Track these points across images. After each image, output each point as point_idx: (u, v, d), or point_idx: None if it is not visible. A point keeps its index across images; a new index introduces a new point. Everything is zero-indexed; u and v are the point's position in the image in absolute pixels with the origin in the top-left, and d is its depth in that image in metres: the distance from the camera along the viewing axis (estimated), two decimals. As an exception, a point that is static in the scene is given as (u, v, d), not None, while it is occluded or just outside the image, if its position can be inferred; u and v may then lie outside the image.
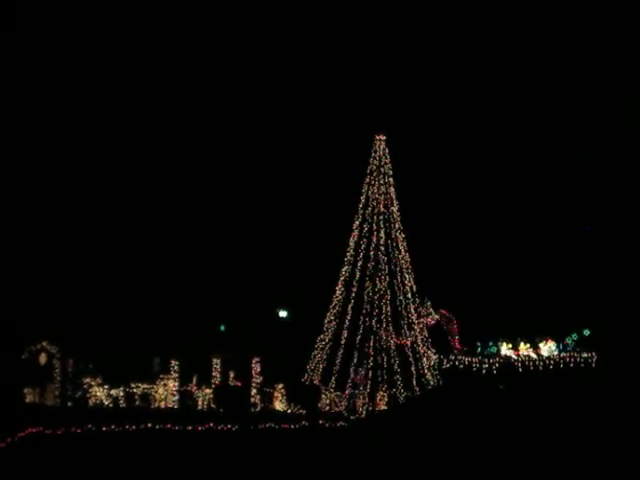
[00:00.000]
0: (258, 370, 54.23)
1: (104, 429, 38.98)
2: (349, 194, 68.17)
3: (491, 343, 63.49)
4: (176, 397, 49.59)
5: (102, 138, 67.71)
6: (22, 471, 31.67)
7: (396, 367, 65.64)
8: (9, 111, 60.23)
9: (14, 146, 61.22)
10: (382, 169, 68.53)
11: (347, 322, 65.55)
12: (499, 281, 71.30)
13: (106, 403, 47.33)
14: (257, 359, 54.36)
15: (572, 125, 70.98)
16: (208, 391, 51.42)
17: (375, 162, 68.61)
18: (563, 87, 71.65)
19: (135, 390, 48.93)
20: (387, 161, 68.76)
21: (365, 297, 66.59)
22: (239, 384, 53.84)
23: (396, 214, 68.07)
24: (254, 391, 53.72)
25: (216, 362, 52.69)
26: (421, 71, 74.05)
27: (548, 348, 61.80)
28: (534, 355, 62.09)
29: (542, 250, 72.35)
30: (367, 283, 66.71)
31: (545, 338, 62.18)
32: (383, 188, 68.31)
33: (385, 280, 66.78)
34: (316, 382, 63.75)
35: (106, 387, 47.79)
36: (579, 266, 69.25)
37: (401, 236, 67.68)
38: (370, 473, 35.27)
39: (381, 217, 67.77)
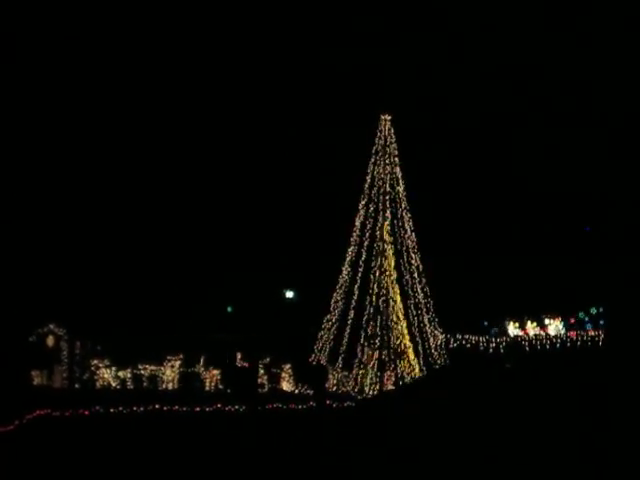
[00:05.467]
0: (265, 350, 54.40)
1: (112, 411, 39.07)
2: (355, 174, 68.05)
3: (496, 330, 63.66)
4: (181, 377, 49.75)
5: (105, 126, 67.70)
6: (31, 453, 31.76)
7: (403, 347, 65.72)
8: (9, 111, 60.27)
9: (17, 136, 61.29)
10: (387, 149, 68.38)
11: (354, 302, 65.58)
12: (506, 260, 71.15)
13: (113, 385, 47.50)
14: (264, 340, 54.55)
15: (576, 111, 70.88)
16: (215, 372, 51.55)
17: (381, 142, 68.46)
18: (568, 78, 71.58)
19: (142, 372, 49.09)
20: (392, 141, 68.60)
21: (372, 277, 66.61)
22: (246, 365, 53.99)
23: (402, 193, 67.94)
24: (261, 372, 53.87)
25: (223, 343, 52.85)
26: (426, 51, 73.67)
27: (555, 327, 61.76)
28: (541, 333, 62.06)
29: (549, 227, 72.21)
30: (373, 263, 66.73)
31: (552, 316, 62.10)
32: (389, 168, 68.18)
33: (391, 260, 66.77)
34: (323, 362, 63.85)
35: (113, 369, 47.96)
36: (587, 244, 69.13)
37: (407, 215, 67.58)
38: (378, 453, 35.28)
39: (387, 197, 67.67)
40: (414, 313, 66.42)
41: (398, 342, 66.13)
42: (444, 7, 72.31)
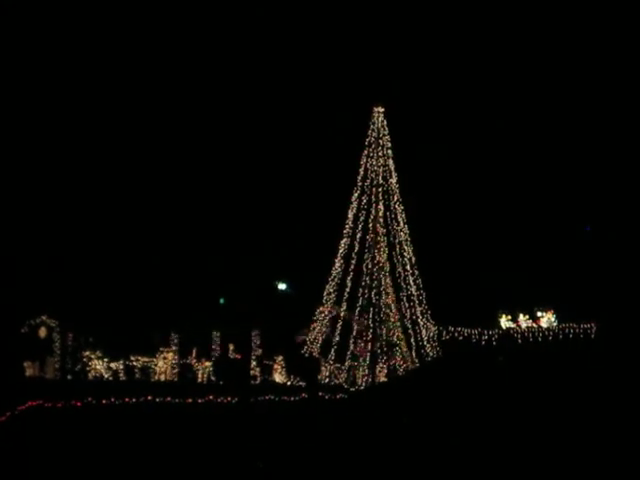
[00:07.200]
0: (258, 343, 54.36)
1: (104, 402, 39.00)
2: (348, 166, 68.00)
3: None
4: (176, 370, 49.73)
5: (101, 123, 67.65)
6: (22, 445, 31.69)
7: (395, 339, 65.78)
8: (10, 111, 60.13)
9: (15, 132, 61.22)
10: (380, 141, 68.34)
11: (346, 294, 65.59)
12: (498, 252, 71.21)
13: (106, 376, 47.45)
14: (257, 332, 54.47)
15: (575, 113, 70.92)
16: (208, 364, 51.55)
17: (373, 134, 68.41)
18: (567, 78, 71.60)
19: (135, 363, 49.05)
20: (385, 133, 68.57)
21: (364, 269, 66.61)
22: (239, 357, 53.99)
23: (395, 186, 67.93)
24: (254, 364, 53.87)
25: (216, 335, 52.82)
26: (419, 44, 73.61)
27: (547, 319, 61.86)
28: (534, 326, 62.13)
29: (539, 220, 72.28)
30: (366, 255, 66.73)
31: (544, 309, 62.19)
32: (382, 160, 68.15)
33: (384, 252, 66.79)
34: (316, 354, 63.87)
35: (106, 360, 47.92)
36: (579, 238, 69.27)
37: (400, 208, 67.58)
38: (369, 445, 35.34)
39: (380, 189, 67.65)
40: (407, 305, 66.48)
41: (390, 334, 66.18)
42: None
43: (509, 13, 71.63)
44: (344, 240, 66.70)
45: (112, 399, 39.45)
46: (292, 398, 50.65)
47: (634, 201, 64.98)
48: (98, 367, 47.44)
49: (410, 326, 66.25)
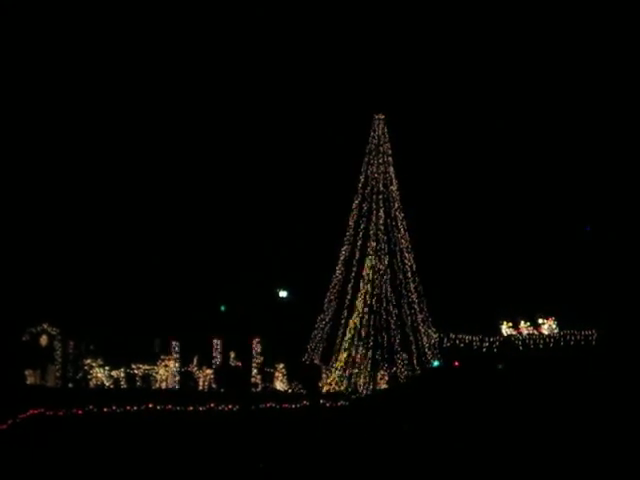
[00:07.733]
0: (259, 350, 54.38)
1: (105, 410, 39.02)
2: (348, 173, 68.06)
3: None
4: (177, 378, 49.72)
5: (104, 126, 67.71)
6: (24, 452, 31.70)
7: (396, 346, 65.73)
8: (10, 111, 60.22)
9: (16, 135, 61.31)
10: (381, 148, 68.42)
11: (347, 301, 65.60)
12: (499, 260, 71.13)
13: (107, 384, 47.44)
14: (257, 339, 54.49)
15: (574, 114, 70.92)
16: (209, 372, 51.53)
17: (374, 141, 68.50)
18: (567, 78, 71.59)
19: (136, 371, 49.02)
20: (386, 140, 68.66)
21: (365, 276, 66.61)
22: (240, 364, 53.98)
23: (395, 193, 67.99)
24: (255, 371, 53.85)
25: (216, 342, 52.80)
26: (419, 52, 73.63)
27: (548, 326, 61.84)
28: (535, 333, 62.10)
29: (540, 227, 72.20)
30: (367, 262, 66.73)
31: (546, 316, 62.19)
32: (382, 167, 68.23)
33: (385, 259, 66.81)
34: (316, 362, 63.85)
35: (107, 368, 47.90)
36: (579, 245, 69.19)
37: (400, 215, 67.63)
38: (370, 452, 35.33)
39: (380, 196, 67.71)
40: (407, 312, 66.46)
41: (391, 342, 66.14)
42: (437, 8, 72.38)
43: (507, 20, 71.70)
44: (345, 247, 66.74)
45: (113, 407, 39.47)
46: (293, 405, 50.63)
47: (634, 201, 64.95)
48: (99, 375, 47.41)
49: (411, 333, 66.22)
